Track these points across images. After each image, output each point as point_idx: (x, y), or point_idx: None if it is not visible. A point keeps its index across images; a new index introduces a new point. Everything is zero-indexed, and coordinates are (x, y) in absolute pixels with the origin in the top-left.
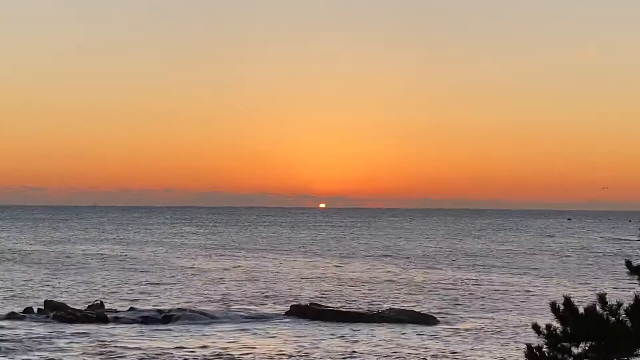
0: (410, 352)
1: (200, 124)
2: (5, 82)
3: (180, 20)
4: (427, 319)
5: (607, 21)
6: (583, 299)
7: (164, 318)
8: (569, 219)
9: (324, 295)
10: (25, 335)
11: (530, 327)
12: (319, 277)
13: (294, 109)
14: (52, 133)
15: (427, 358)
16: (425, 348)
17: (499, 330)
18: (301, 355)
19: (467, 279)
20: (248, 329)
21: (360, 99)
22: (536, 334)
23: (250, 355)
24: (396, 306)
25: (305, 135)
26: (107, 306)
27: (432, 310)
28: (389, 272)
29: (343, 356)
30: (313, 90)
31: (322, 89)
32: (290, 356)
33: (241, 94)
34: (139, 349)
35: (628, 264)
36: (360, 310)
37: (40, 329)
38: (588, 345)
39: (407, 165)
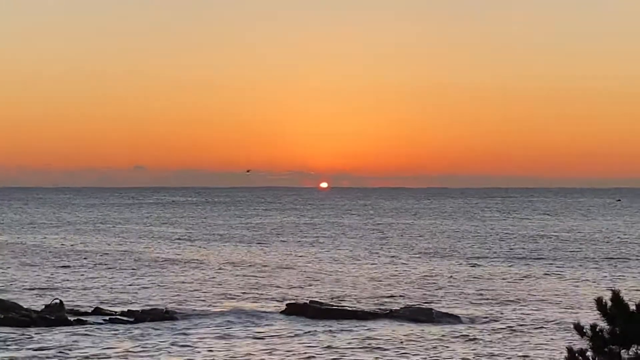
0: (429, 355)
1: (175, 90)
2: None
3: None
4: (448, 319)
5: None
6: (634, 294)
7: (136, 320)
8: (619, 200)
9: (325, 293)
10: None
11: (570, 327)
12: (320, 272)
13: (284, 69)
14: None
15: None
16: (449, 350)
17: (532, 330)
18: (300, 358)
19: (494, 271)
20: (234, 332)
21: (366, 55)
22: (579, 336)
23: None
24: (412, 304)
25: (300, 101)
26: (68, 307)
27: (454, 309)
28: (403, 265)
29: (347, 356)
30: (308, 46)
31: (320, 44)
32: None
33: (221, 55)
34: (105, 356)
35: None
36: (369, 309)
37: None
38: None
39: (425, 136)
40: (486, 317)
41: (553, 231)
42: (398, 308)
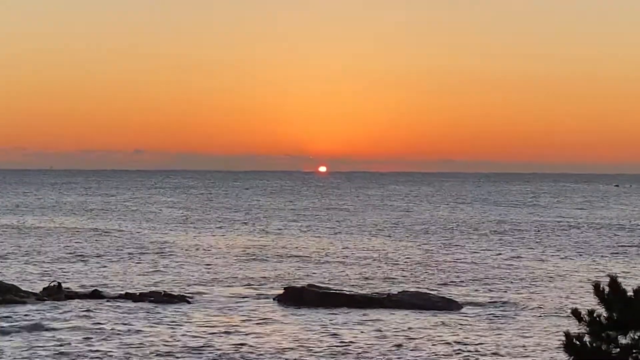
0: (427, 341)
1: (175, 74)
2: None
3: None
4: (447, 304)
5: None
6: (632, 280)
7: (134, 302)
8: (617, 185)
9: (323, 277)
10: None
11: (569, 312)
12: (318, 256)
13: (284, 52)
14: None
15: (451, 348)
16: (446, 336)
17: (530, 315)
18: (294, 345)
19: (495, 257)
20: (231, 315)
21: (367, 40)
22: (576, 321)
23: (231, 345)
24: (410, 289)
25: (300, 85)
26: (66, 289)
27: (454, 294)
28: (401, 249)
29: (344, 344)
30: (310, 30)
31: (321, 28)
32: (280, 345)
33: (221, 39)
34: (99, 333)
35: None
36: (367, 293)
37: None
38: (638, 334)
39: (424, 121)
40: (484, 302)
41: (550, 217)
42: (396, 292)
